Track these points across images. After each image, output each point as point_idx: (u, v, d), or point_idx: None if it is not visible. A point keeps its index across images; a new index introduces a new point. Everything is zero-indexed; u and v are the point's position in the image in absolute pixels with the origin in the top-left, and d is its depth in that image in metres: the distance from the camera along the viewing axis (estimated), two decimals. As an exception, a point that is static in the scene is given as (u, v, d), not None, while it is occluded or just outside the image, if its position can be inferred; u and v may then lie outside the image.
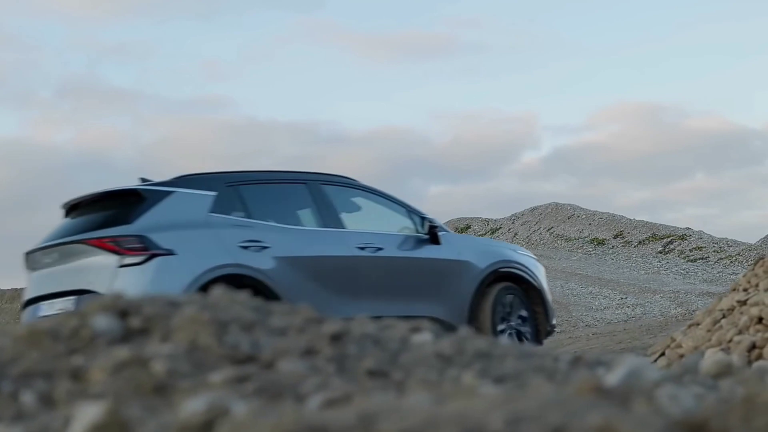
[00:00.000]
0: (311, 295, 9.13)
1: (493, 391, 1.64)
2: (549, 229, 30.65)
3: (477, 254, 10.65)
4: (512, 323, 10.61)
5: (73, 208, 9.36)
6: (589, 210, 30.55)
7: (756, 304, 6.62)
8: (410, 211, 10.55)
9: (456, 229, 35.57)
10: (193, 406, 1.70)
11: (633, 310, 20.83)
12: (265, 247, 9.06)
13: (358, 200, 10.31)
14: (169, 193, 8.91)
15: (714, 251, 25.90)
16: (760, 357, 6.07)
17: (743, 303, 7.13)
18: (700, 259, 25.76)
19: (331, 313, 9.29)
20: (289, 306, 2.32)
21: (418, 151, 58.44)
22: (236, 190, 9.35)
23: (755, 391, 1.71)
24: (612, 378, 2.24)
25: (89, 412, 1.72)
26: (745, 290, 7.56)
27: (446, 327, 8.21)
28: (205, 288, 8.14)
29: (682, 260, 26.03)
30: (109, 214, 8.82)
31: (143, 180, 9.15)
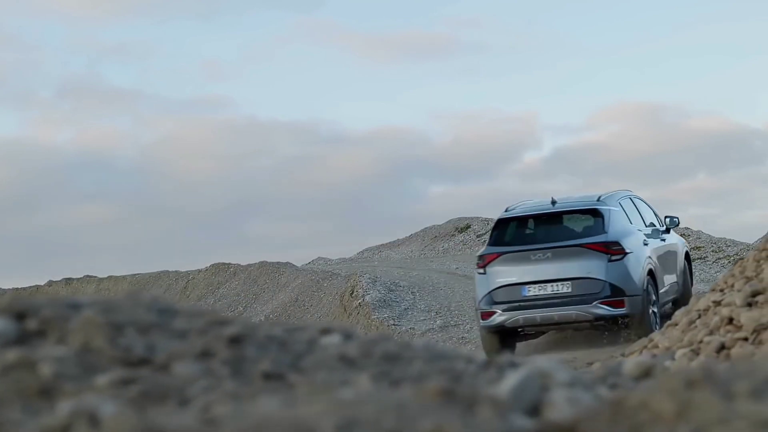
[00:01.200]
0: (661, 274, 13.70)
1: (349, 395, 1.64)
2: (548, 229, 30.58)
3: (679, 240, 15.51)
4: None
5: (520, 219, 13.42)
6: (589, 210, 30.49)
7: (728, 304, 6.59)
8: (653, 211, 15.13)
9: (456, 229, 35.55)
10: (61, 410, 1.70)
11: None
12: (647, 244, 13.40)
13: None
14: (609, 210, 13.17)
15: (712, 251, 25.83)
16: (728, 358, 6.05)
17: (718, 303, 7.11)
18: (698, 258, 25.69)
19: (666, 284, 14.63)
20: (194, 309, 2.32)
21: (418, 151, 58.45)
22: (619, 205, 13.57)
23: (623, 394, 1.71)
24: (509, 381, 2.24)
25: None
26: (721, 291, 7.54)
27: (677, 291, 13.14)
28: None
29: (681, 260, 26.00)
30: (584, 226, 13.25)
31: (553, 201, 13.40)
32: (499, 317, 12.82)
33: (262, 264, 30.20)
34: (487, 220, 34.40)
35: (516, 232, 13.05)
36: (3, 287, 36.67)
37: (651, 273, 13.04)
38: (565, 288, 12.51)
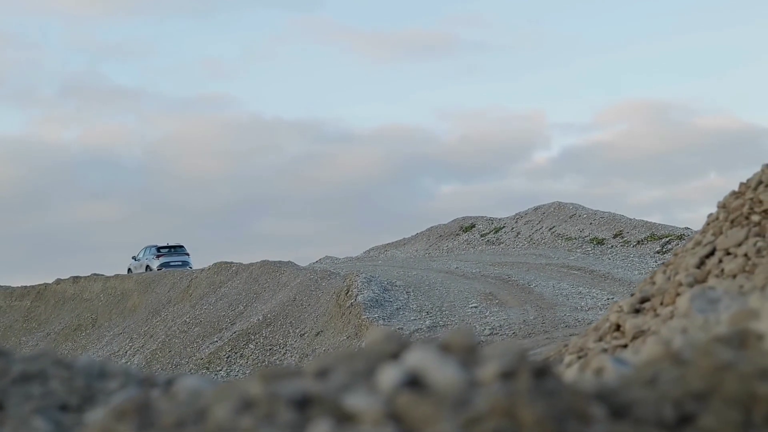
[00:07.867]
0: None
1: None
2: (551, 228, 30.47)
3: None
4: None
5: None
6: (591, 209, 30.34)
7: (618, 310, 6.53)
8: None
9: (461, 228, 35.47)
10: None
11: (616, 310, 20.64)
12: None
13: None
14: (183, 244, 47.53)
15: (711, 251, 25.61)
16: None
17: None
18: (696, 259, 25.49)
19: None
20: None
21: (426, 149, 58.42)
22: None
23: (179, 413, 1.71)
24: (120, 397, 2.24)
25: None
26: (632, 296, 7.48)
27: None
28: None
29: (679, 260, 25.73)
30: (179, 248, 45.63)
31: (171, 243, 46.58)
32: (154, 265, 42.88)
33: (264, 263, 30.33)
34: (491, 219, 34.33)
35: (166, 248, 43.95)
36: (12, 285, 37.04)
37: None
38: (181, 259, 43.23)
